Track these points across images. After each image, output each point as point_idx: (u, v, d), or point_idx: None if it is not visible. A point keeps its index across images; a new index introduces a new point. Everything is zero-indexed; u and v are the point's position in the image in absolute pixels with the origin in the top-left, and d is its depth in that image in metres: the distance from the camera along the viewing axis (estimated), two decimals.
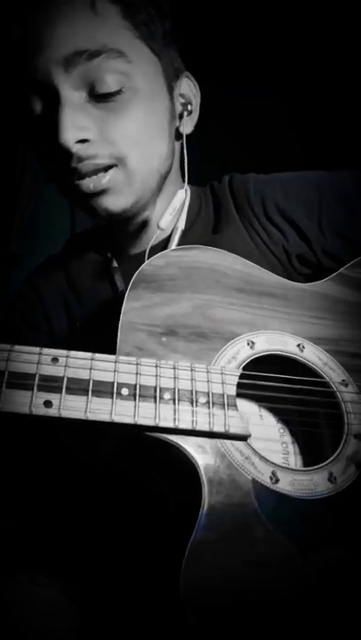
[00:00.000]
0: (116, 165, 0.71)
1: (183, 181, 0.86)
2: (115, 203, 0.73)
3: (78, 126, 0.66)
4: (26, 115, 0.70)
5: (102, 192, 0.71)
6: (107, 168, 0.70)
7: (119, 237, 0.85)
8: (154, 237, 0.81)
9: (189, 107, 0.80)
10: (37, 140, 0.74)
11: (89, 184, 0.70)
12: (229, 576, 0.50)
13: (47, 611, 0.65)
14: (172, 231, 0.82)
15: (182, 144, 0.81)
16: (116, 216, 0.75)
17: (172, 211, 0.81)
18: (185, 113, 0.80)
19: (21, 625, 0.62)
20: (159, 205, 0.82)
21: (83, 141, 0.67)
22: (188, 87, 0.81)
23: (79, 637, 0.63)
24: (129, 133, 0.70)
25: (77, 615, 0.65)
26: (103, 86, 0.67)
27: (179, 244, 0.80)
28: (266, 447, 0.63)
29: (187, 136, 0.81)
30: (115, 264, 0.84)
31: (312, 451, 0.65)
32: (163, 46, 0.74)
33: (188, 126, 0.81)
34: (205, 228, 0.84)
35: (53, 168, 0.74)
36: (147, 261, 0.64)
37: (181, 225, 0.81)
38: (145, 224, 0.82)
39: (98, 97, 0.67)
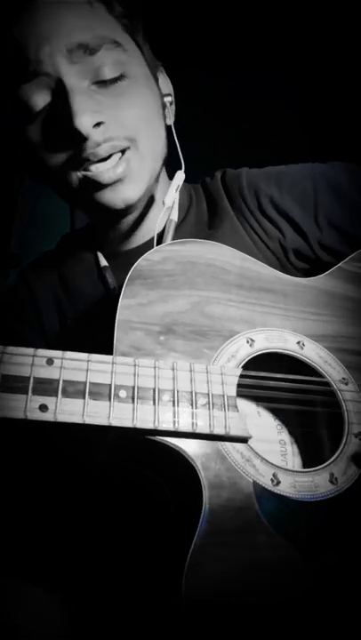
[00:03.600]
0: (129, 148, 0.71)
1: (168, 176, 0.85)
2: (131, 191, 0.72)
3: (91, 110, 0.67)
4: (26, 116, 0.69)
5: (118, 181, 0.71)
6: (122, 151, 0.71)
7: (110, 235, 0.83)
8: (158, 222, 0.79)
9: (170, 97, 0.81)
10: (35, 147, 0.72)
11: (104, 174, 0.70)
12: (231, 580, 0.49)
13: (41, 611, 0.64)
14: (165, 225, 0.80)
15: (172, 133, 0.80)
16: (132, 206, 0.74)
17: (175, 187, 0.79)
18: (167, 103, 0.80)
19: (14, 625, 0.61)
20: (158, 195, 0.81)
21: (98, 124, 0.68)
22: (165, 79, 0.82)
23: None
24: (137, 115, 0.71)
25: (74, 617, 0.64)
26: (106, 73, 0.68)
27: (173, 239, 0.78)
28: (263, 448, 0.62)
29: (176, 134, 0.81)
30: (104, 262, 0.83)
31: (311, 451, 0.64)
32: (143, 39, 0.75)
33: (170, 117, 0.81)
34: (197, 223, 0.83)
35: (58, 167, 0.71)
36: (142, 256, 0.62)
37: (174, 217, 0.80)
38: (143, 216, 0.81)
39: (101, 84, 0.69)
